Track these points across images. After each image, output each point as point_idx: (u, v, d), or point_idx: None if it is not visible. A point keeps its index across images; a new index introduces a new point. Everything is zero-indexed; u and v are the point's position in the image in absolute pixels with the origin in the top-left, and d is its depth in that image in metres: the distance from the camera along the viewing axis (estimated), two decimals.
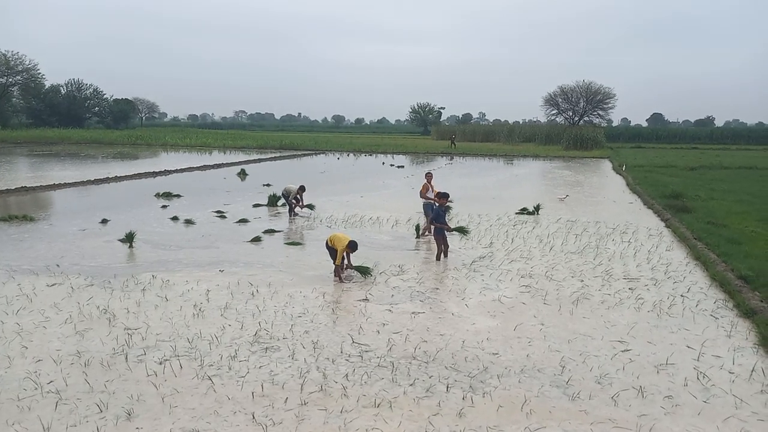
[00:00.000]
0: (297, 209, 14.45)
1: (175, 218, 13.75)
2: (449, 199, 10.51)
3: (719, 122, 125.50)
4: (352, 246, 8.61)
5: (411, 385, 5.25)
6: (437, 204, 10.22)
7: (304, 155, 41.33)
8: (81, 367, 5.49)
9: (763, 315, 6.90)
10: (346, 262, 8.74)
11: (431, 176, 12.66)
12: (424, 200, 12.47)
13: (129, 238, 10.82)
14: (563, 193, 19.20)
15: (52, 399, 4.85)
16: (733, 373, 5.60)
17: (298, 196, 14.37)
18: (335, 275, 8.65)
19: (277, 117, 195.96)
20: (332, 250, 8.66)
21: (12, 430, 4.37)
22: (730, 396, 5.12)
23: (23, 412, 4.65)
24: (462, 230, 10.53)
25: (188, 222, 13.35)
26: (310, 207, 14.73)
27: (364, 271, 8.75)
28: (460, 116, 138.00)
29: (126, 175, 23.34)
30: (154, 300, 7.53)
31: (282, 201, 15.36)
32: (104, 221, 13.16)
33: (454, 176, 27.15)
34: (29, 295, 7.59)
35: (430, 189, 12.24)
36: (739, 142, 65.98)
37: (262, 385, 5.16)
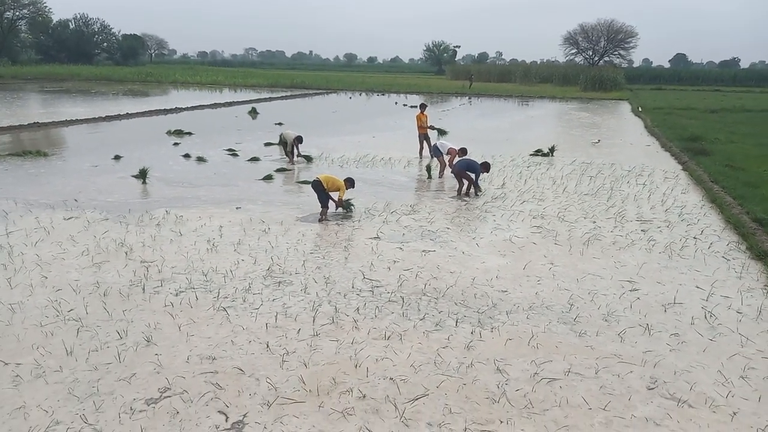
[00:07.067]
0: (294, 158, 13.40)
1: (187, 156, 13.75)
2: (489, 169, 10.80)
3: (745, 64, 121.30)
4: (351, 183, 8.97)
5: (421, 319, 5.35)
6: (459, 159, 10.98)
7: (316, 94, 40.70)
8: (100, 296, 5.65)
9: None
10: (336, 200, 8.90)
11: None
12: (430, 141, 14.07)
13: (142, 175, 10.89)
14: (596, 138, 19.01)
15: (74, 326, 5.03)
16: (740, 312, 5.63)
17: (294, 144, 13.26)
18: (322, 216, 8.65)
19: (288, 55, 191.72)
20: (323, 193, 8.64)
21: (37, 353, 4.56)
22: (736, 334, 5.18)
23: (47, 337, 4.83)
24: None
25: (200, 159, 13.36)
26: (307, 159, 13.53)
27: (347, 206, 9.05)
28: (476, 55, 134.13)
29: (137, 113, 23.20)
30: (169, 235, 7.65)
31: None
32: (117, 158, 13.21)
33: (470, 117, 26.72)
34: (47, 228, 7.74)
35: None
36: (764, 84, 63.75)
37: (275, 317, 5.30)
